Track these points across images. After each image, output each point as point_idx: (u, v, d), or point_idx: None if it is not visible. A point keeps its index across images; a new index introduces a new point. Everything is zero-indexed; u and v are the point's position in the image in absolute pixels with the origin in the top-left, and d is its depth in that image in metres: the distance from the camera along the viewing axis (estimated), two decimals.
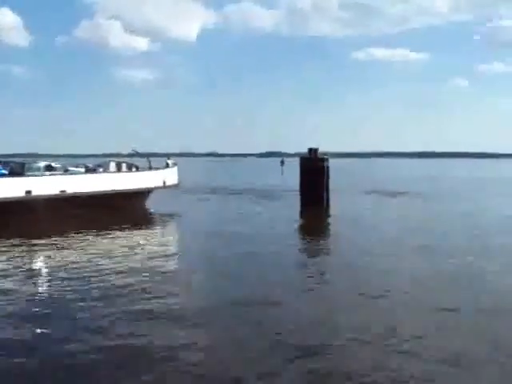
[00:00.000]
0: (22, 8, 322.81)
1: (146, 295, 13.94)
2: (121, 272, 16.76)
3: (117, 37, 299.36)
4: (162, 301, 13.47)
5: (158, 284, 15.25)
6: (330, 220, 31.52)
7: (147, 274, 16.42)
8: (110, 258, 19.47)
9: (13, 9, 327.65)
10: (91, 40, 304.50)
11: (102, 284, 15.16)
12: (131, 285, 15.03)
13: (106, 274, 16.51)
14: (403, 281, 15.81)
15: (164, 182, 36.97)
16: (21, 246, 21.87)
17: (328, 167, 37.25)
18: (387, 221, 30.22)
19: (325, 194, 36.46)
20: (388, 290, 14.43)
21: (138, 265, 18.08)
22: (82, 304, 13.16)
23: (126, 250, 21.24)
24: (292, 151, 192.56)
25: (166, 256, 19.94)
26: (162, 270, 17.37)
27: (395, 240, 23.13)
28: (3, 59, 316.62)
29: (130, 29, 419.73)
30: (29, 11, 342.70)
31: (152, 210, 35.20)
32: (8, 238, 22.93)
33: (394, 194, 46.33)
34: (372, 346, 10.43)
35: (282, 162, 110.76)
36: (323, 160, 37.38)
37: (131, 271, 16.89)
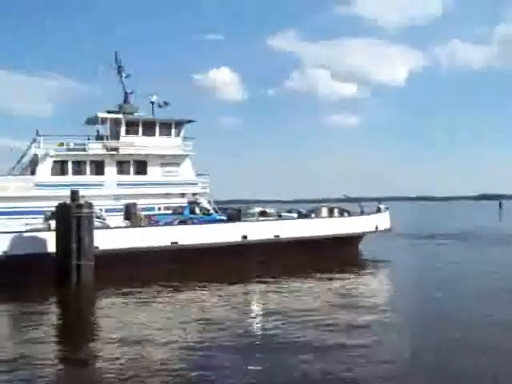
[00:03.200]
0: (239, 66, 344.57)
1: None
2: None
3: (325, 85, 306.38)
4: None
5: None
6: None
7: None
8: (320, 298, 20.41)
9: (231, 67, 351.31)
10: (300, 90, 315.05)
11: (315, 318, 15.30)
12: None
13: (316, 312, 17.39)
14: None
15: (376, 227, 36.24)
16: (237, 284, 23.78)
17: None
18: None
19: None
20: None
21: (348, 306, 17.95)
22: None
23: (337, 293, 21.53)
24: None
25: (376, 304, 19.35)
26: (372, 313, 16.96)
27: None
28: (221, 113, 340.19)
29: (338, 76, 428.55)
30: (244, 68, 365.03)
31: (364, 255, 34.69)
32: (226, 279, 24.84)
33: None
34: None
35: (500, 205, 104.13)
36: None
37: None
